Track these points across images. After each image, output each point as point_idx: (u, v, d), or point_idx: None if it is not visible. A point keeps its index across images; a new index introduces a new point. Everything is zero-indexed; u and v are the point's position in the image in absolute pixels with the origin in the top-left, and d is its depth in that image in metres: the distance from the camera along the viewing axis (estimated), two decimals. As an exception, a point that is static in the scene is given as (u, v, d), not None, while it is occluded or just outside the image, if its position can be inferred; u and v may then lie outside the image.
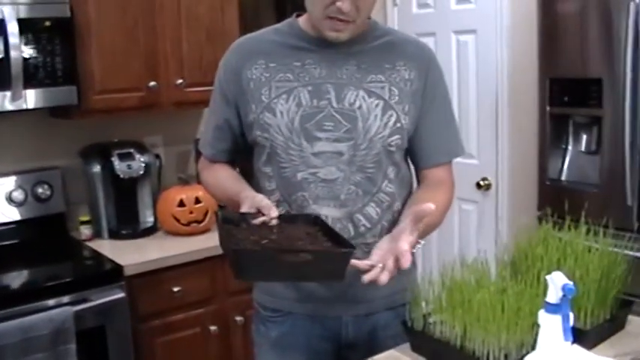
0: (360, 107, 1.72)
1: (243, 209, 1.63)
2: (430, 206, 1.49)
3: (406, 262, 1.46)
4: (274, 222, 1.61)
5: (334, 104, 1.72)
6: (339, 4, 1.62)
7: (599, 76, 2.84)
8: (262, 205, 1.62)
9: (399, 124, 1.75)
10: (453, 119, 1.90)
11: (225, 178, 1.90)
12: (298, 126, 1.72)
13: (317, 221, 1.68)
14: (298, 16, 1.84)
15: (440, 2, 3.80)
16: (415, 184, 1.91)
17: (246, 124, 1.81)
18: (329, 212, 1.73)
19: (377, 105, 1.73)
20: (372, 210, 1.76)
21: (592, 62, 2.89)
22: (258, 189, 1.81)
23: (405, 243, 1.48)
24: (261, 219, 1.60)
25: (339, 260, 1.48)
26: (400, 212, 1.78)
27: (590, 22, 2.89)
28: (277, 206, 1.70)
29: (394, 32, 1.90)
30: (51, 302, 2.47)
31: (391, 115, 1.74)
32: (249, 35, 1.89)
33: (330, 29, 1.69)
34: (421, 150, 1.84)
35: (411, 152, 1.85)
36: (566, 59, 3.00)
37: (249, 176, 1.88)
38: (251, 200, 1.65)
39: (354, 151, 1.72)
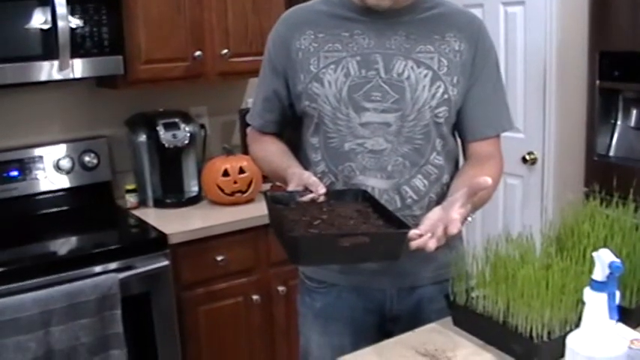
0: (408, 77, 1.71)
1: (291, 187, 1.64)
2: (487, 180, 1.47)
3: (455, 228, 1.44)
4: (322, 198, 1.60)
5: (382, 74, 1.71)
6: None
7: (652, 50, 2.77)
8: (310, 183, 1.61)
9: (446, 96, 1.73)
10: (503, 92, 1.86)
11: (273, 152, 1.90)
12: (346, 96, 1.72)
13: (365, 196, 1.68)
14: None
15: (488, -27, 3.73)
16: (462, 160, 1.88)
17: (295, 95, 1.81)
18: (376, 183, 1.73)
19: (425, 75, 1.71)
20: (419, 182, 1.75)
21: (645, 35, 2.82)
22: (305, 161, 1.82)
23: (455, 213, 1.47)
24: (310, 196, 1.60)
25: (396, 241, 1.47)
26: (449, 186, 1.77)
27: (644, -6, 2.82)
28: (322, 178, 1.72)
29: (444, 3, 1.87)
30: (97, 269, 2.51)
31: (439, 86, 1.72)
32: (298, 6, 1.88)
33: None
34: (469, 122, 1.81)
35: (458, 125, 1.83)
36: (618, 32, 2.93)
37: (296, 148, 1.89)
38: (298, 177, 1.65)
39: (402, 122, 1.71)
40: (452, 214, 1.47)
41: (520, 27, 3.57)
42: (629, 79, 2.90)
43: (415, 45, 1.73)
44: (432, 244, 1.46)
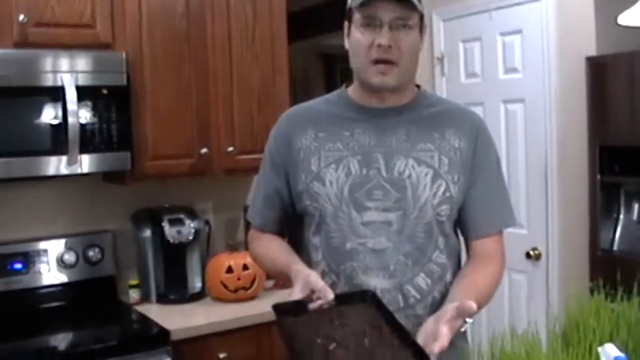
0: (409, 176, 1.72)
1: (296, 290, 1.58)
2: (472, 306, 1.44)
3: (436, 347, 1.40)
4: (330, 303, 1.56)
5: (383, 173, 1.72)
6: (377, 40, 1.65)
7: (651, 144, 2.81)
8: (318, 289, 1.56)
9: (448, 194, 1.73)
10: (504, 189, 1.86)
11: (275, 249, 1.88)
12: (347, 195, 1.72)
13: (374, 300, 1.64)
14: (347, 86, 1.87)
15: (488, 72, 3.83)
16: (464, 257, 1.87)
17: (296, 194, 1.81)
18: (378, 283, 1.71)
19: (426, 174, 1.72)
20: (422, 281, 1.73)
21: (643, 130, 2.87)
22: (306, 261, 1.79)
23: (444, 327, 1.43)
24: (318, 303, 1.55)
25: None
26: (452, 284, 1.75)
27: (640, 90, 2.88)
28: (323, 277, 1.67)
29: (443, 101, 1.91)
30: (98, 365, 2.48)
31: (440, 185, 1.73)
32: (299, 105, 1.92)
33: (375, 74, 1.70)
34: (470, 220, 1.80)
35: (460, 222, 1.82)
36: (616, 127, 2.98)
37: (298, 248, 1.87)
38: (303, 278, 1.59)
39: (404, 220, 1.71)
40: (441, 329, 1.43)
41: (520, 124, 3.64)
42: (629, 173, 2.94)
43: (416, 143, 1.75)
44: None
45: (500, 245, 1.83)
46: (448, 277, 1.78)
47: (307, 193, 1.77)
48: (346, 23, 1.78)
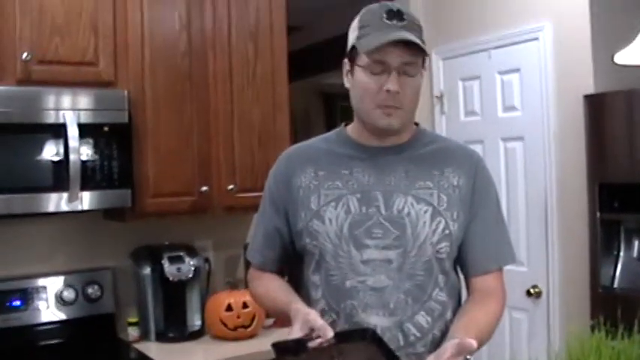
0: (408, 214, 1.72)
1: (295, 328, 1.57)
2: (472, 343, 1.44)
3: None
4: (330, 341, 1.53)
5: (383, 211, 1.73)
6: (386, 86, 1.66)
7: (650, 181, 2.82)
8: (317, 327, 1.54)
9: (447, 231, 1.73)
10: (504, 226, 1.86)
11: (275, 288, 1.87)
12: (347, 233, 1.72)
13: (374, 338, 1.62)
14: (347, 125, 1.88)
15: (487, 110, 3.85)
16: (464, 294, 1.86)
17: (296, 232, 1.82)
18: (378, 321, 1.70)
19: (426, 211, 1.73)
20: (422, 319, 1.73)
21: (642, 167, 2.88)
22: (305, 299, 1.78)
23: None
24: (318, 341, 1.52)
25: None
26: (452, 322, 1.74)
27: (638, 127, 2.90)
28: (323, 316, 1.66)
29: (442, 139, 1.92)
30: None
31: (440, 222, 1.73)
32: (298, 144, 1.94)
33: (381, 117, 1.71)
34: (470, 257, 1.80)
35: (460, 260, 1.82)
36: (615, 164, 3.00)
37: (298, 286, 1.86)
38: (303, 317, 1.58)
39: (404, 258, 1.71)
40: None
41: (520, 161, 3.65)
42: (629, 210, 2.94)
43: (414, 181, 1.76)
44: None
45: (501, 282, 1.83)
46: (448, 314, 1.77)
47: (307, 232, 1.77)
48: (346, 62, 1.79)
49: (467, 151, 1.88)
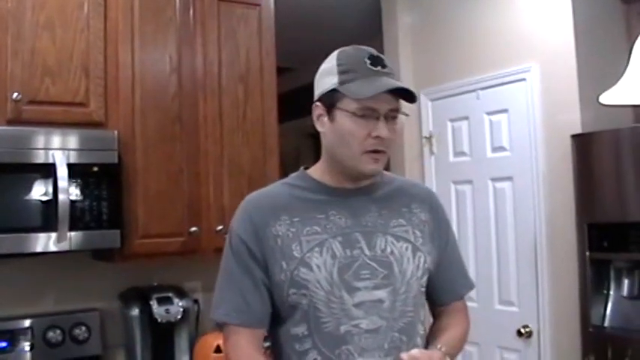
0: (392, 252, 1.74)
1: None
2: None
3: None
4: None
5: (367, 252, 1.73)
6: (376, 132, 1.67)
7: (639, 220, 2.83)
8: None
9: (426, 265, 1.79)
10: (461, 255, 1.98)
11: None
12: (337, 278, 1.69)
13: None
14: (306, 168, 1.87)
15: (476, 151, 3.88)
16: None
17: (275, 283, 1.72)
18: None
19: (407, 248, 1.77)
20: None
21: (630, 206, 2.90)
22: (284, 355, 1.74)
23: None
24: None
25: None
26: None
27: (626, 167, 2.93)
28: None
29: (397, 178, 1.97)
30: None
31: (420, 257, 1.78)
32: (257, 192, 1.85)
33: (368, 162, 1.71)
34: (444, 287, 1.89)
35: (432, 291, 1.88)
36: (604, 203, 3.02)
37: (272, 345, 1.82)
38: None
39: (394, 296, 1.72)
40: None
41: (509, 201, 3.67)
42: (618, 249, 2.96)
43: (388, 220, 1.78)
44: None
45: (465, 303, 1.97)
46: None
47: (292, 281, 1.70)
48: (319, 105, 1.76)
49: (422, 188, 2.00)
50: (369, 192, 1.81)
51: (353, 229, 1.74)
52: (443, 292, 1.90)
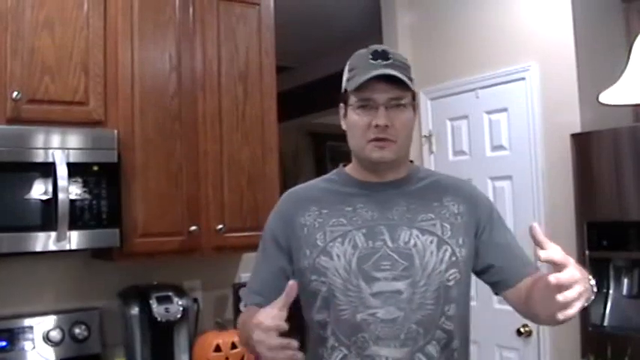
0: (415, 245, 1.76)
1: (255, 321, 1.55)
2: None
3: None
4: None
5: (389, 244, 1.76)
6: (375, 121, 1.73)
7: (638, 219, 2.84)
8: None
9: (454, 258, 1.77)
10: (515, 239, 1.91)
11: (252, 313, 1.76)
12: (356, 267, 1.74)
13: None
14: (345, 165, 1.95)
15: (475, 149, 3.88)
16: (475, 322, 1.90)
17: (299, 269, 1.83)
18: (389, 353, 1.72)
19: (431, 241, 1.77)
20: (432, 348, 1.74)
21: (630, 205, 2.90)
22: (310, 341, 1.82)
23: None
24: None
25: None
26: (458, 351, 1.78)
27: (626, 166, 2.93)
28: (333, 353, 1.73)
29: (436, 173, 1.99)
30: None
31: (446, 250, 1.77)
32: (299, 186, 1.98)
33: (373, 150, 1.77)
34: (504, 269, 1.83)
35: (494, 279, 1.85)
36: (603, 202, 3.02)
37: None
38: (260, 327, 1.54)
39: (413, 288, 1.73)
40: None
41: (508, 200, 3.67)
42: (617, 248, 2.96)
43: (416, 214, 1.80)
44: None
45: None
46: (455, 343, 1.79)
47: (313, 268, 1.79)
48: (342, 105, 1.87)
49: (461, 181, 1.98)
50: (400, 186, 1.85)
51: (378, 222, 1.79)
52: (507, 278, 1.82)
